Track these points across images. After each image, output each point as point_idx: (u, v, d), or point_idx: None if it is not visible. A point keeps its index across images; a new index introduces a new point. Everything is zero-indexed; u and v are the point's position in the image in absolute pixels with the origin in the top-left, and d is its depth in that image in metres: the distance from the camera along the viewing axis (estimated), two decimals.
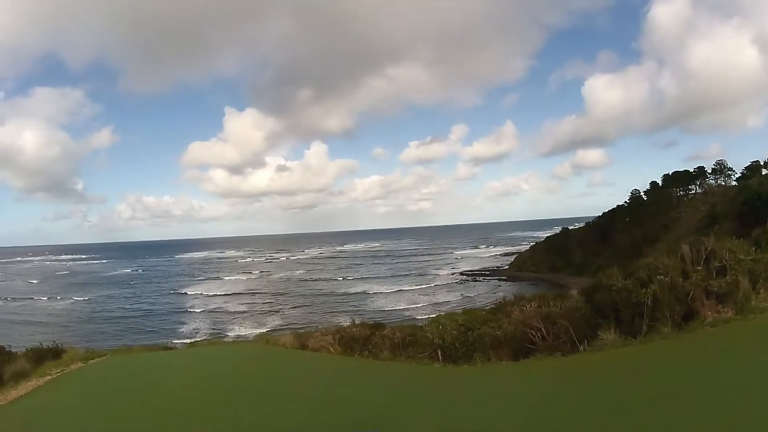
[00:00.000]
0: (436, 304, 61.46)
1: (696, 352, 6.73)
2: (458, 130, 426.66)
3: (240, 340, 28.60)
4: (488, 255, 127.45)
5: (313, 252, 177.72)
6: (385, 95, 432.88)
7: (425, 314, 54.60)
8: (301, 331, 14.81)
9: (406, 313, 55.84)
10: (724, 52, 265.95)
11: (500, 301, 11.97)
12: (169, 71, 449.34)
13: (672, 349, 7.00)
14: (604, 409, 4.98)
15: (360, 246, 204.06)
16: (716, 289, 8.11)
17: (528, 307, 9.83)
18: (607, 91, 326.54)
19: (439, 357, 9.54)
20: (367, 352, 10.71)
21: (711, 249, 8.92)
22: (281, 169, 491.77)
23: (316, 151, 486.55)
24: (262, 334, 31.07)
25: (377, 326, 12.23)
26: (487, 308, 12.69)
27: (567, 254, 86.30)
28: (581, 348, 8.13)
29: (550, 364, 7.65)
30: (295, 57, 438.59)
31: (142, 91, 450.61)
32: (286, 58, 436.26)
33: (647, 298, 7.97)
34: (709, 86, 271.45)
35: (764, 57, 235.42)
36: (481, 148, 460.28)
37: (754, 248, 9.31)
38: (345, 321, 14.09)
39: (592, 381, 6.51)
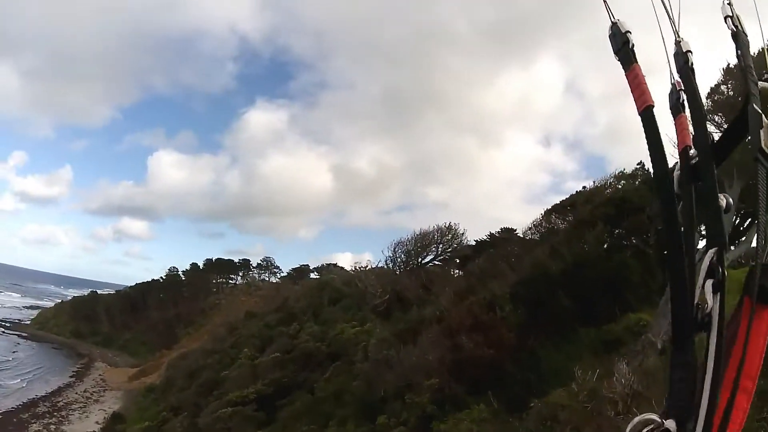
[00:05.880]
0: None
1: None
2: (19, 157, 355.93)
3: None
4: (10, 304, 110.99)
5: None
6: None
7: None
8: None
9: None
10: (300, 170, 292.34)
11: None
12: None
13: None
14: None
15: None
16: None
17: None
18: (174, 169, 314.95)
19: None
20: None
21: None
22: None
23: None
24: None
25: None
26: None
27: (94, 321, 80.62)
28: None
29: None
30: None
31: None
32: None
33: None
34: (275, 195, 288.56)
35: (336, 184, 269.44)
36: (35, 183, 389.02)
37: None
38: None
39: None
